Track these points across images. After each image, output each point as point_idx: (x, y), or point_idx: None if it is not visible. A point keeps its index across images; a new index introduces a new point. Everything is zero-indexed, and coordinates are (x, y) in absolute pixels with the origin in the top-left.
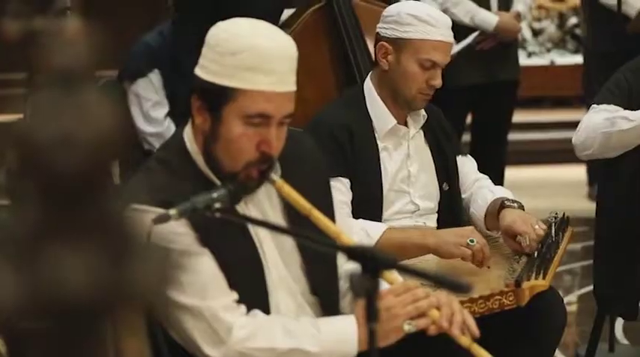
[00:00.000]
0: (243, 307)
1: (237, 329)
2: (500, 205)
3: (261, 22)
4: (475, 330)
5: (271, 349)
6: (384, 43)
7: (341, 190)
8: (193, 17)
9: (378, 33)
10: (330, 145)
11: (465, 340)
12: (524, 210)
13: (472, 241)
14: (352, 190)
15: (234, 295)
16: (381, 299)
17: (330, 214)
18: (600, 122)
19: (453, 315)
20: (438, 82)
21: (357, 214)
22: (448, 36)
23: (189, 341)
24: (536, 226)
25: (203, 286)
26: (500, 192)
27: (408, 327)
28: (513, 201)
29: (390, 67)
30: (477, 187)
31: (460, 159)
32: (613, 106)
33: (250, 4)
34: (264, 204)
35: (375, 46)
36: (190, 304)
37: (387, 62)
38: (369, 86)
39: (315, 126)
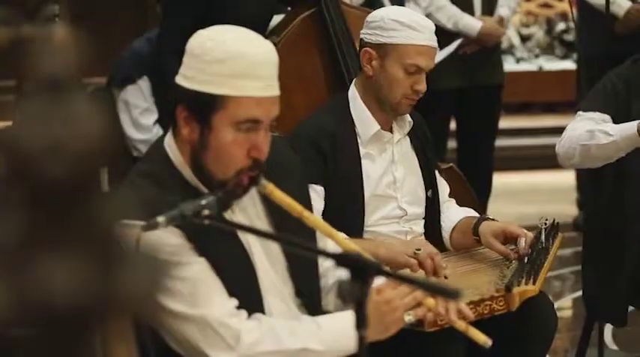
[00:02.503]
0: (244, 312)
1: (245, 334)
2: (479, 219)
3: (242, 29)
4: (469, 313)
5: (280, 351)
6: (368, 49)
7: (313, 197)
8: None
9: (362, 39)
10: (310, 151)
11: (460, 324)
12: None
13: (418, 250)
14: (333, 197)
15: (234, 301)
16: (381, 292)
17: None
18: (581, 134)
19: (448, 302)
20: (422, 86)
21: (338, 220)
22: (432, 40)
23: (195, 352)
24: (527, 232)
25: (203, 294)
26: (471, 212)
27: (408, 317)
28: (492, 219)
29: (375, 72)
30: (446, 207)
31: (437, 176)
32: (598, 114)
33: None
34: (249, 210)
35: (359, 52)
36: (195, 314)
37: (372, 68)
38: (353, 92)
39: (298, 131)
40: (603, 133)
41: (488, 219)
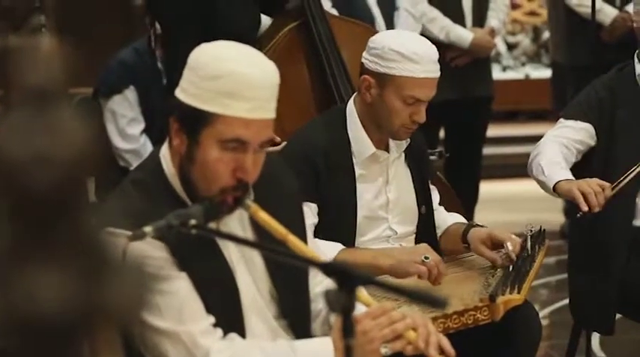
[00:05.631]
0: (219, 331)
1: (215, 354)
2: (468, 226)
3: (245, 47)
4: (451, 350)
5: None
6: (368, 77)
7: (307, 214)
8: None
9: (362, 63)
10: (304, 168)
11: None
12: None
13: (427, 257)
14: (325, 215)
15: (211, 319)
16: (358, 323)
17: (303, 238)
18: (537, 158)
19: (429, 336)
20: (421, 117)
21: (329, 239)
22: (433, 71)
23: None
24: (515, 237)
25: (180, 309)
26: (459, 218)
27: (384, 350)
28: (481, 226)
29: (373, 100)
30: (435, 214)
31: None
32: (579, 123)
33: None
34: (235, 227)
35: (359, 77)
36: (168, 328)
37: (370, 96)
38: (351, 110)
39: (292, 146)
40: (541, 170)
41: (476, 225)
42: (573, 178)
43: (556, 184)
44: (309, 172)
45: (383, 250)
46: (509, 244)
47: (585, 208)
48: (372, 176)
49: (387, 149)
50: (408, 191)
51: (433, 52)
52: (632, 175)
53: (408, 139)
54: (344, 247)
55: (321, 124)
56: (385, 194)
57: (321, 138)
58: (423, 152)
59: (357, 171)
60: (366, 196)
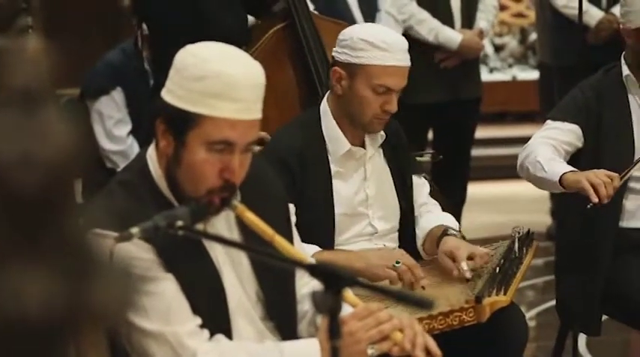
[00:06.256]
0: (206, 333)
1: (201, 355)
2: (443, 232)
3: (230, 48)
4: (437, 351)
5: None
6: (338, 69)
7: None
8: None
9: (332, 56)
10: (281, 170)
11: None
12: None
13: (398, 262)
14: (303, 215)
15: (198, 320)
16: (345, 324)
17: (290, 238)
18: (531, 156)
19: (416, 337)
20: (392, 107)
21: (308, 239)
22: (403, 60)
23: None
24: (485, 251)
25: (166, 311)
26: (448, 220)
27: (371, 351)
28: (457, 231)
29: (344, 92)
30: (424, 211)
31: (414, 179)
32: (566, 124)
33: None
34: (222, 228)
35: (329, 70)
36: (154, 329)
37: (341, 87)
38: (325, 108)
39: (268, 151)
40: (540, 167)
41: (452, 234)
42: (576, 169)
43: (562, 176)
44: (286, 174)
45: (358, 252)
46: (463, 263)
47: (596, 200)
48: (349, 173)
49: (363, 145)
50: (387, 187)
51: (402, 41)
52: (638, 165)
53: (384, 134)
54: (320, 249)
55: (295, 125)
56: (364, 190)
57: (295, 139)
58: (402, 147)
59: (334, 168)
60: (344, 193)
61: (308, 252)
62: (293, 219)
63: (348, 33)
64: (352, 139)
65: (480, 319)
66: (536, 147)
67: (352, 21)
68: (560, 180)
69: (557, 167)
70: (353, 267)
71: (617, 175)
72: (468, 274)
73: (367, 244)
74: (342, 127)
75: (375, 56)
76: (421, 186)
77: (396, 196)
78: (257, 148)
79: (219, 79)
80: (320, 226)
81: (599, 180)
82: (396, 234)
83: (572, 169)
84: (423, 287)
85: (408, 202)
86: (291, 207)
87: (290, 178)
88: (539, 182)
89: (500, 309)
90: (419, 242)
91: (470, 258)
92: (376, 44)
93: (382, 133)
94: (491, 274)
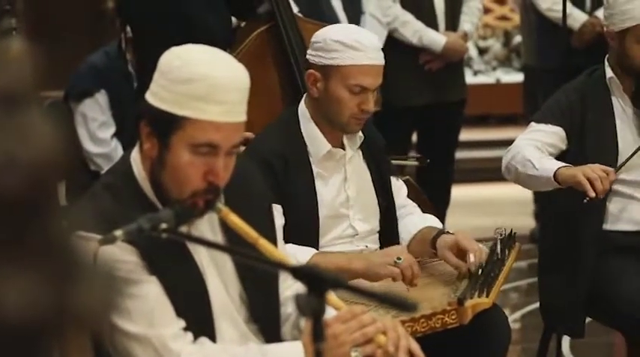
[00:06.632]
0: (190, 335)
1: None
2: (439, 232)
3: (215, 50)
4: (420, 354)
5: None
6: (313, 71)
7: (275, 216)
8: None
9: (306, 60)
10: (265, 172)
11: None
12: None
13: (399, 258)
14: (287, 217)
15: (182, 323)
16: (328, 327)
17: (274, 241)
18: (519, 155)
19: (399, 340)
20: (369, 106)
21: (293, 240)
22: (376, 59)
23: None
24: (482, 246)
25: (150, 313)
26: (432, 221)
27: (355, 354)
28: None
29: (320, 94)
30: (405, 213)
31: (393, 181)
32: (550, 127)
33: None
34: (206, 230)
35: (304, 73)
36: (138, 332)
37: (317, 89)
38: (303, 110)
39: (250, 152)
40: (531, 165)
41: (447, 233)
42: (570, 165)
43: (557, 171)
44: (269, 175)
45: (356, 253)
46: (472, 255)
47: (592, 194)
48: (330, 174)
49: (342, 147)
50: (367, 188)
51: (375, 40)
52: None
53: (362, 136)
54: (316, 251)
55: (275, 128)
56: (345, 191)
57: (276, 142)
58: (381, 149)
59: (315, 170)
60: (326, 194)
61: (302, 254)
62: (281, 220)
63: (320, 35)
64: (331, 141)
65: (462, 321)
66: (522, 148)
67: (337, 23)
68: (555, 175)
69: (549, 164)
70: (354, 268)
71: (612, 169)
72: (473, 268)
73: (349, 247)
74: (320, 129)
75: (349, 56)
76: (399, 188)
77: (375, 197)
78: (242, 147)
79: (205, 81)
80: (305, 228)
81: (595, 174)
82: (377, 235)
83: (565, 164)
84: (415, 284)
85: (388, 202)
86: (278, 208)
87: (274, 179)
88: (529, 181)
89: (483, 311)
90: (404, 243)
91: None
92: (349, 44)
93: (361, 134)
94: (474, 276)
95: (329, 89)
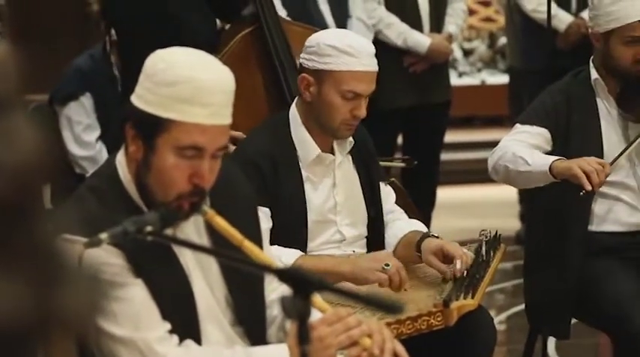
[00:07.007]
0: (175, 338)
1: None
2: (424, 235)
3: (200, 53)
4: (405, 355)
5: None
6: (306, 75)
7: (262, 219)
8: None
9: (300, 64)
10: (252, 173)
11: None
12: None
13: (387, 265)
14: (275, 221)
15: (167, 326)
16: (314, 329)
17: (259, 244)
18: (508, 154)
19: (384, 343)
20: (362, 112)
21: (281, 243)
22: (370, 65)
23: None
24: (467, 251)
25: (136, 316)
26: (418, 226)
27: (340, 356)
28: (436, 236)
29: (313, 98)
30: (392, 219)
31: (382, 186)
32: (535, 128)
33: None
34: (191, 233)
35: (297, 77)
36: (123, 335)
37: (310, 94)
38: (294, 113)
39: (238, 153)
40: (523, 161)
41: (432, 236)
42: (563, 158)
43: (551, 164)
44: (257, 177)
45: (346, 257)
46: (458, 262)
47: (589, 188)
48: (319, 179)
49: (332, 152)
50: (356, 194)
51: (369, 45)
52: (626, 152)
53: (352, 141)
54: (302, 253)
55: (265, 130)
56: (333, 197)
57: (265, 144)
58: (372, 154)
59: (304, 174)
60: (314, 199)
61: (289, 257)
62: (267, 224)
63: (314, 39)
64: (321, 146)
65: (448, 323)
66: (509, 147)
67: (325, 27)
68: (550, 169)
69: (542, 158)
70: (341, 271)
71: (607, 162)
72: (457, 273)
73: (336, 251)
74: (311, 133)
75: (343, 62)
76: (387, 194)
77: (364, 203)
78: (232, 146)
79: (190, 84)
80: (293, 231)
81: (591, 167)
82: (365, 240)
83: (559, 157)
84: (405, 289)
85: (376, 208)
86: (265, 211)
87: (261, 181)
88: (520, 178)
89: (468, 313)
90: (389, 249)
91: (449, 259)
92: (343, 50)
93: (351, 139)
94: (459, 278)
95: (322, 94)
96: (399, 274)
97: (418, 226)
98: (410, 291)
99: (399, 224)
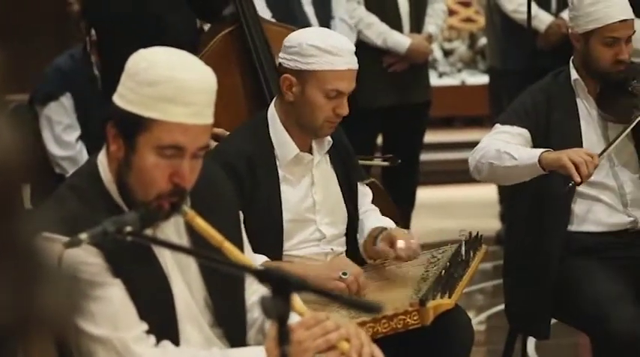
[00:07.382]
0: (152, 338)
1: None
2: (382, 229)
3: (182, 53)
4: None
5: None
6: (288, 76)
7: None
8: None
9: (280, 64)
10: (229, 176)
11: None
12: None
13: (345, 273)
14: (251, 221)
15: (144, 326)
16: (292, 333)
17: (240, 245)
18: (491, 151)
19: (362, 347)
20: (344, 110)
21: (256, 244)
22: (352, 63)
23: None
24: (413, 240)
25: (114, 316)
26: (386, 222)
27: None
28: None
29: (295, 98)
30: (365, 217)
31: (359, 187)
32: (516, 128)
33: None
34: (171, 233)
35: (278, 77)
36: (101, 334)
37: (292, 94)
38: (272, 113)
39: (215, 155)
40: (509, 156)
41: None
42: (551, 149)
43: (540, 156)
44: (232, 178)
45: (303, 264)
46: (399, 241)
47: (578, 179)
48: (297, 179)
49: (310, 151)
50: (334, 193)
51: (350, 44)
52: (615, 144)
53: (331, 140)
54: (267, 259)
55: (243, 131)
56: (311, 196)
57: (243, 144)
58: (349, 154)
59: (281, 174)
60: (292, 199)
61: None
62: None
63: (294, 39)
64: (300, 145)
65: (424, 322)
66: (491, 145)
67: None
68: (538, 160)
69: (529, 151)
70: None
71: (596, 153)
72: (403, 253)
73: (315, 249)
74: (290, 133)
75: (327, 61)
76: (364, 194)
77: (343, 202)
78: (213, 143)
79: (172, 83)
80: (268, 232)
81: (580, 158)
82: (344, 238)
83: (546, 149)
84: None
85: (355, 207)
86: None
87: (238, 183)
88: (505, 174)
89: (445, 312)
90: (360, 248)
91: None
92: (326, 49)
93: (329, 138)
94: (437, 277)
95: (305, 94)
96: (356, 282)
97: (386, 222)
98: (386, 290)
99: (367, 222)
